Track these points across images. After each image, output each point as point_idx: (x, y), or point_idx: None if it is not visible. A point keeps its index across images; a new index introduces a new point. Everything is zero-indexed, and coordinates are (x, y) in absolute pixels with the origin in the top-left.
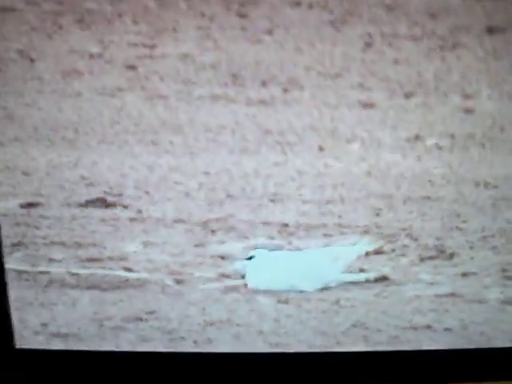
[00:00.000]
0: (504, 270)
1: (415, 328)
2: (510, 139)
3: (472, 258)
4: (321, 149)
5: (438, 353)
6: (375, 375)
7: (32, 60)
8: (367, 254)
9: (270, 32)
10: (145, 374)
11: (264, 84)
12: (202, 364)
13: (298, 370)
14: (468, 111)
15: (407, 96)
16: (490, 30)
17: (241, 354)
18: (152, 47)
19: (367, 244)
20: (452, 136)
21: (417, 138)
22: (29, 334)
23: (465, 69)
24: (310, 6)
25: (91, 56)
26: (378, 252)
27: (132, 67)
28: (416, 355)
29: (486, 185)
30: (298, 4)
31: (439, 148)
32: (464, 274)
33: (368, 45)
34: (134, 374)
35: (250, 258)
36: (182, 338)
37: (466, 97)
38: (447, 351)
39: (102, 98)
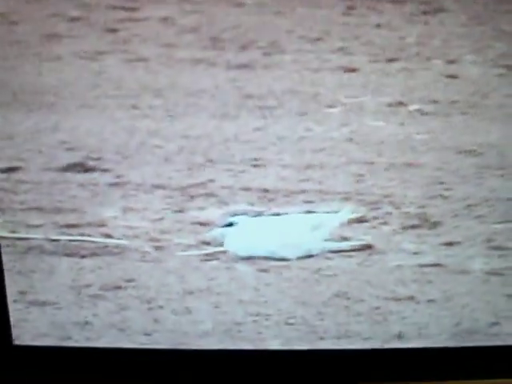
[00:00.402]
0: (489, 240)
1: (398, 299)
2: (494, 106)
3: (456, 227)
4: (301, 113)
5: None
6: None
7: (12, 23)
8: (350, 221)
9: None
10: (149, 370)
11: (244, 48)
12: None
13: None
14: (451, 77)
15: (389, 61)
16: None
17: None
18: (132, 10)
19: (350, 211)
20: (435, 102)
21: (399, 103)
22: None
23: (448, 34)
24: None
25: (71, 19)
26: (360, 220)
27: (112, 30)
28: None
29: (470, 152)
30: None
31: (422, 114)
32: (448, 244)
33: (350, 8)
34: (135, 369)
35: (230, 225)
36: (161, 307)
37: (449, 62)
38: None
39: (82, 62)
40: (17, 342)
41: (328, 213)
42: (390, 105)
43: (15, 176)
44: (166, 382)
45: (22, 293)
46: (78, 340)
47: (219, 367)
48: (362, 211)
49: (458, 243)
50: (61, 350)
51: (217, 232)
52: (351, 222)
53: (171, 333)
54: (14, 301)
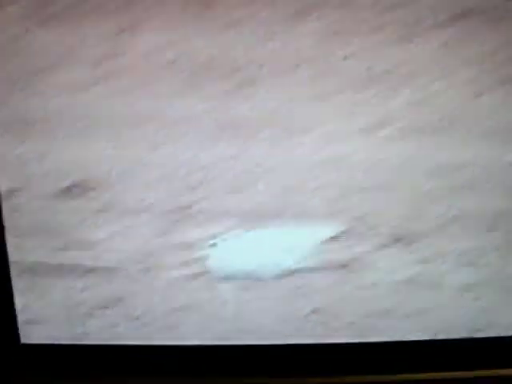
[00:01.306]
0: (460, 256)
1: (374, 314)
2: (461, 130)
3: (428, 246)
4: (276, 140)
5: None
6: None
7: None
8: (323, 242)
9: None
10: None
11: (221, 78)
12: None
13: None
14: (420, 103)
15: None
16: (441, 24)
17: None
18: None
19: (327, 236)
20: (404, 128)
21: (371, 128)
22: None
23: (416, 61)
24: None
25: (57, 54)
26: (334, 239)
27: (96, 64)
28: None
29: (440, 174)
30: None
31: (392, 138)
32: (421, 261)
33: (320, 40)
34: (140, 365)
35: (210, 247)
36: (147, 323)
37: (419, 88)
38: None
39: (67, 94)
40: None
41: (302, 234)
42: (360, 130)
43: (6, 203)
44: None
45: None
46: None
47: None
48: (338, 236)
49: (431, 260)
50: (69, 349)
51: (199, 254)
52: (327, 241)
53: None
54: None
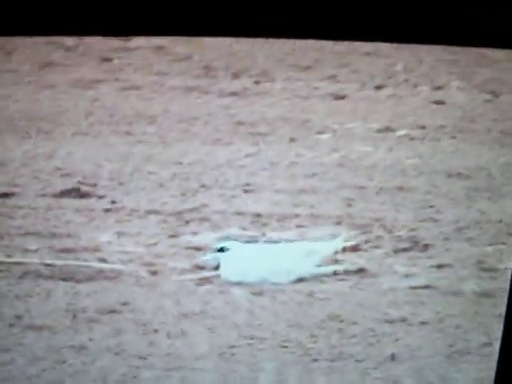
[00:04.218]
0: (480, 262)
1: (391, 321)
2: (481, 130)
3: (447, 250)
4: (292, 139)
5: None
6: None
7: (8, 52)
8: (343, 250)
9: None
10: None
11: (236, 76)
12: None
13: None
14: (438, 103)
15: (378, 88)
16: None
17: None
18: (126, 40)
19: (344, 240)
20: (423, 127)
21: (388, 128)
22: (3, 327)
23: (435, 61)
24: None
25: (67, 48)
26: (354, 249)
27: (107, 59)
28: None
29: (459, 175)
30: None
31: (410, 139)
32: (439, 266)
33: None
34: None
35: (222, 250)
36: (156, 330)
37: (437, 88)
38: None
39: (77, 90)
40: None
41: (321, 239)
42: (379, 130)
43: (11, 201)
44: None
45: (18, 317)
46: (74, 364)
47: None
48: (354, 239)
49: (449, 265)
50: None
51: (210, 257)
52: (345, 250)
53: (166, 356)
54: (10, 325)
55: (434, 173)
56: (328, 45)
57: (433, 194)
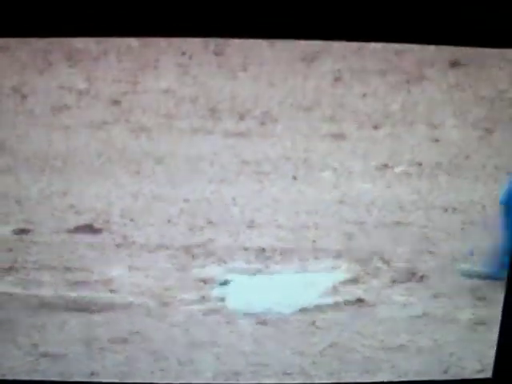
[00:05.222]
0: (474, 291)
1: (389, 348)
2: (475, 166)
3: (442, 281)
4: (295, 177)
5: None
6: None
7: (24, 96)
8: (340, 277)
9: (244, 68)
10: None
11: (241, 117)
12: None
13: None
14: (434, 140)
15: (376, 127)
16: (453, 64)
17: None
18: (135, 83)
19: (343, 272)
20: (420, 164)
21: (386, 166)
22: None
23: (430, 100)
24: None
25: (79, 92)
26: (354, 281)
27: (116, 102)
28: None
29: (454, 210)
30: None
31: (408, 175)
32: (435, 296)
33: (337, 79)
34: None
35: (226, 283)
36: (166, 358)
37: (432, 126)
38: None
39: (88, 131)
40: None
41: (322, 272)
42: (377, 168)
43: (27, 237)
44: None
45: (34, 345)
46: None
47: None
48: (354, 271)
49: (445, 295)
50: None
51: (217, 289)
52: (344, 277)
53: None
54: (25, 353)
55: (431, 208)
56: (327, 88)
57: (429, 227)
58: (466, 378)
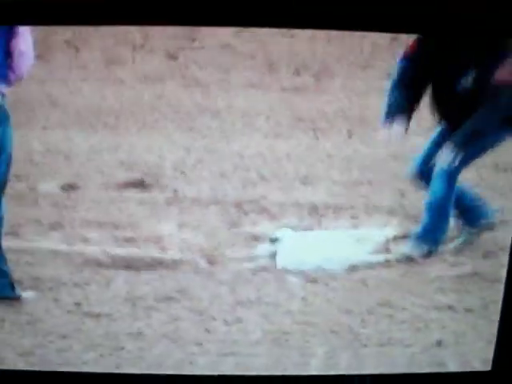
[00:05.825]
0: None
1: (438, 308)
2: None
3: (494, 237)
4: (350, 134)
5: None
6: None
7: (77, 49)
8: (395, 238)
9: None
10: None
11: (297, 72)
12: None
13: None
14: None
15: None
16: None
17: None
18: (192, 39)
19: (395, 228)
20: None
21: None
22: (62, 314)
23: None
24: None
25: (134, 45)
26: (405, 236)
27: (173, 57)
28: None
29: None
30: None
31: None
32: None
33: (394, 39)
34: None
35: (276, 240)
36: (213, 317)
37: None
38: None
39: (143, 86)
40: None
41: (374, 229)
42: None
43: (75, 193)
44: None
45: (77, 304)
46: (131, 350)
47: None
48: (406, 228)
49: (494, 253)
50: None
51: (268, 246)
52: (396, 238)
53: (221, 342)
54: (69, 312)
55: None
56: (383, 42)
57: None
58: None
